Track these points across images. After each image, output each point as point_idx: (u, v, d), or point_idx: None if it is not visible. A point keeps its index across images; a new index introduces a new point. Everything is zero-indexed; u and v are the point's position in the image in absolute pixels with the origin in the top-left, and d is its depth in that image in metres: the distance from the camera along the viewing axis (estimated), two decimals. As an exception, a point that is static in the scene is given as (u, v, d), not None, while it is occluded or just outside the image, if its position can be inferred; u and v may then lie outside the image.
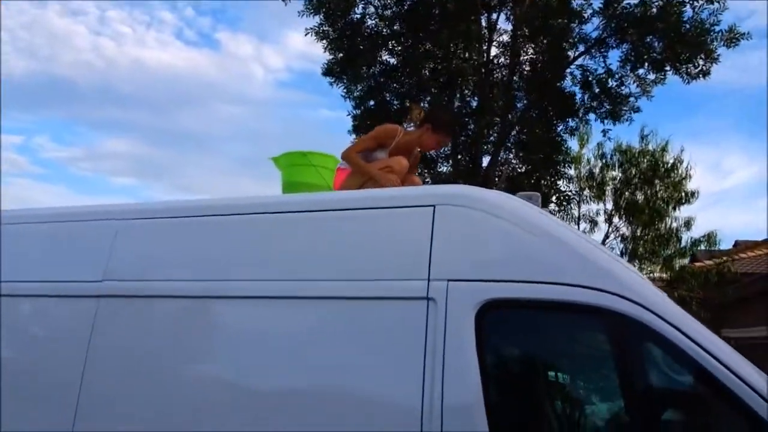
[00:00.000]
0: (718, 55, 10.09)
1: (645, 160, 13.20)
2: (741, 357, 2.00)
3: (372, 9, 11.80)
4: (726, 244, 15.89)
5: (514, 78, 11.77)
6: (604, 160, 13.67)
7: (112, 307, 2.65)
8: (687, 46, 9.96)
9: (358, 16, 11.72)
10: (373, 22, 11.87)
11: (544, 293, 2.10)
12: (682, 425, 2.08)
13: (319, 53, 11.46)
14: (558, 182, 11.98)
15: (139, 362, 2.52)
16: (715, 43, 9.97)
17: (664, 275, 12.95)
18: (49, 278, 2.84)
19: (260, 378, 2.34)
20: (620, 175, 13.43)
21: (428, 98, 11.90)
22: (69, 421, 2.50)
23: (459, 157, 11.92)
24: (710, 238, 12.84)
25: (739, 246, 16.14)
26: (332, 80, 11.96)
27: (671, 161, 13.03)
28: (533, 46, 11.74)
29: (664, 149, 13.22)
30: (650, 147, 13.35)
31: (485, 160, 11.74)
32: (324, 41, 11.53)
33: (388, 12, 11.78)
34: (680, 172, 12.93)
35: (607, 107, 11.18)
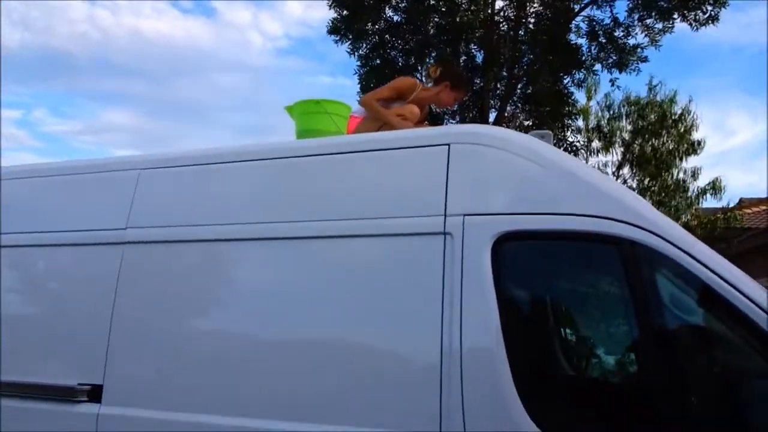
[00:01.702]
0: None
1: (653, 111, 13.08)
2: (746, 276, 2.06)
3: (376, -36, 11.56)
4: (730, 203, 15.86)
5: (520, 31, 11.59)
6: (611, 111, 13.54)
7: (137, 253, 2.73)
8: (695, -8, 9.77)
9: (363, -29, 11.50)
10: (378, -24, 11.64)
11: (557, 224, 2.16)
12: (694, 347, 2.16)
13: (318, 19, 11.44)
14: (566, 134, 11.91)
15: (165, 306, 2.61)
16: None
17: None
18: (74, 228, 2.91)
19: (281, 318, 2.42)
20: (628, 126, 13.33)
21: (433, 53, 11.77)
22: (100, 366, 2.60)
23: (465, 111, 11.86)
24: (715, 184, 12.79)
25: (744, 203, 16.11)
26: (337, 38, 11.82)
27: (679, 112, 12.91)
28: (539, -2, 11.52)
29: (672, 100, 13.09)
30: (658, 98, 13.21)
31: (492, 115, 11.68)
32: (328, -2, 11.36)
33: (392, -34, 11.55)
34: (687, 123, 12.80)
35: (614, 58, 11.03)
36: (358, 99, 3.54)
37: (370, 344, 2.28)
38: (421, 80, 3.84)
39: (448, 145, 2.37)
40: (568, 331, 2.38)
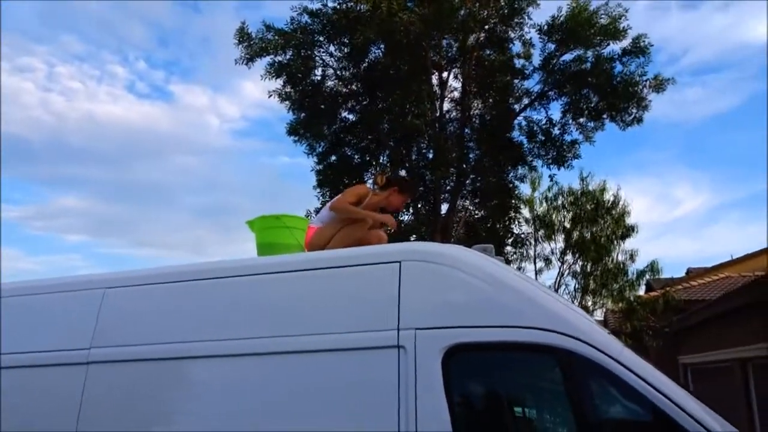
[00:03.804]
0: (649, 101, 11.12)
1: (587, 201, 13.99)
2: (666, 378, 2.31)
3: (331, 71, 12.47)
4: (679, 272, 16.70)
5: (466, 130, 12.48)
6: (551, 203, 14.39)
7: (101, 372, 2.79)
8: (619, 97, 10.95)
9: (318, 77, 12.35)
10: (332, 83, 12.52)
11: (501, 336, 2.38)
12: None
13: (275, 102, 12.08)
14: (512, 226, 12.58)
15: (128, 424, 2.66)
16: (645, 91, 10.99)
17: (615, 307, 13.57)
18: (39, 348, 2.96)
19: (246, 430, 2.50)
20: (567, 215, 14.15)
21: (387, 152, 12.43)
22: None
23: (419, 206, 12.38)
24: (653, 267, 13.55)
25: (691, 273, 16.96)
26: (296, 139, 12.39)
27: (611, 200, 13.89)
28: (482, 101, 12.53)
29: (603, 189, 14.09)
30: (590, 188, 14.19)
31: (444, 208, 12.24)
32: (286, 102, 12.03)
33: (346, 73, 12.45)
34: (619, 209, 13.76)
35: (553, 154, 11.98)
36: (329, 205, 3.80)
37: None
38: (374, 187, 4.16)
39: (400, 262, 2.60)
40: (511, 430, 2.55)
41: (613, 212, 13.68)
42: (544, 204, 14.12)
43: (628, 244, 13.75)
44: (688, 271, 17.94)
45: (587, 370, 2.30)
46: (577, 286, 13.85)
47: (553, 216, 13.90)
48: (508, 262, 12.36)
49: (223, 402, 2.58)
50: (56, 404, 2.79)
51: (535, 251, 14.10)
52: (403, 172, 11.99)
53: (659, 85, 10.99)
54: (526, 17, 11.86)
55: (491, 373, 2.54)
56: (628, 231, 13.59)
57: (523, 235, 13.27)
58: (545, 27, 11.59)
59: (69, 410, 2.72)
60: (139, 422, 2.65)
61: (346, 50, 12.09)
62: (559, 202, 13.98)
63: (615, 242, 13.49)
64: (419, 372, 2.36)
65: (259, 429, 2.48)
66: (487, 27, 11.83)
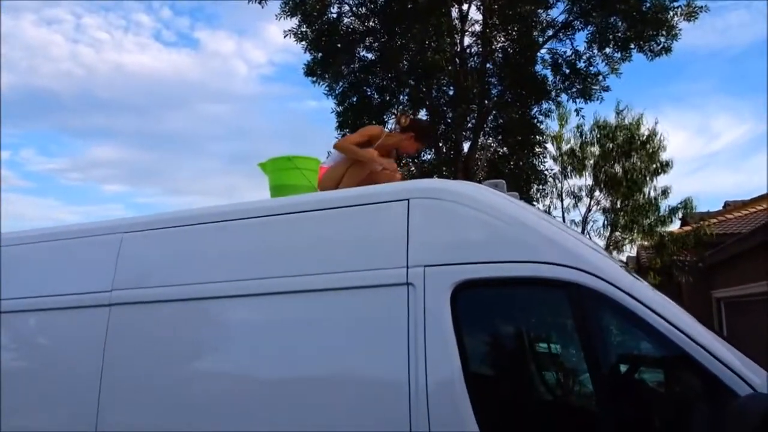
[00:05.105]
0: (679, 30, 10.51)
1: (621, 134, 13.56)
2: (690, 317, 2.26)
3: (347, 7, 12.07)
4: (716, 206, 16.32)
5: (488, 65, 12.06)
6: (583, 137, 14.01)
7: (123, 314, 2.90)
8: (649, 24, 10.35)
9: (334, 15, 11.99)
10: (349, 20, 12.14)
11: (510, 271, 2.36)
12: (635, 377, 2.39)
13: (299, 46, 11.75)
14: (536, 163, 12.32)
15: (151, 363, 2.77)
16: (675, 19, 10.37)
17: (646, 243, 13.40)
18: (62, 292, 3.07)
19: (263, 367, 2.60)
20: (598, 149, 13.78)
21: (407, 91, 12.15)
22: (91, 423, 2.74)
23: (440, 144, 12.19)
24: (687, 204, 13.22)
25: (729, 207, 16.59)
26: (314, 80, 12.19)
27: (646, 133, 13.43)
28: (504, 33, 12.03)
29: (639, 122, 13.62)
30: (626, 121, 13.73)
31: (466, 146, 12.04)
32: (303, 42, 11.75)
33: (362, 9, 12.03)
34: (655, 143, 13.32)
35: (578, 87, 11.53)
36: (334, 144, 3.82)
37: (345, 387, 2.45)
38: (389, 126, 4.13)
39: (408, 200, 2.57)
40: (520, 366, 2.57)
41: (648, 146, 13.25)
42: (572, 140, 13.79)
43: (662, 180, 13.43)
44: (726, 205, 17.50)
45: (599, 305, 2.27)
46: (606, 222, 13.68)
47: (585, 150, 13.55)
48: (532, 199, 12.24)
49: (238, 341, 2.68)
50: (82, 345, 2.92)
51: (562, 188, 13.88)
52: (423, 111, 11.75)
53: (691, 13, 10.35)
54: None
55: (501, 308, 2.54)
56: (663, 167, 13.22)
57: (547, 172, 13.03)
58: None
59: (95, 350, 2.85)
60: (160, 360, 2.76)
61: (362, -16, 11.67)
62: (592, 135, 13.59)
63: (648, 178, 13.14)
64: (428, 309, 2.36)
65: (275, 363, 2.56)
66: (509, -47, 11.21)
